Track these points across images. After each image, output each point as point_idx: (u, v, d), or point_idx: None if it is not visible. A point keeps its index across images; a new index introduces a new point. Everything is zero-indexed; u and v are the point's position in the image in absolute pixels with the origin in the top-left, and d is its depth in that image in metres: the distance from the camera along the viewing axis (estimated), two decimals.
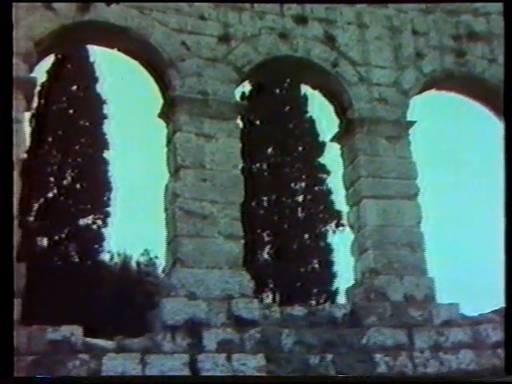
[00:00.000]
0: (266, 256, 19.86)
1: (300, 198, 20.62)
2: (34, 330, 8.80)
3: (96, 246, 23.27)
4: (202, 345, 9.41)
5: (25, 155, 9.92)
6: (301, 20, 12.07)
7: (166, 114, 11.11)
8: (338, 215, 19.17)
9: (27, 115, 10.55)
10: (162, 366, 9.04)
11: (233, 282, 9.99)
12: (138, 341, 9.30)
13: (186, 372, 9.06)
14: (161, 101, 11.33)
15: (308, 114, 21.09)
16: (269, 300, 18.78)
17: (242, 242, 10.40)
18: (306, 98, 20.77)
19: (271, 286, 19.26)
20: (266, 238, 19.91)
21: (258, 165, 20.32)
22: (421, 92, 12.78)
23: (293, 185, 20.79)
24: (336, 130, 12.58)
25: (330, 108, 12.75)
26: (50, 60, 18.31)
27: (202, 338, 9.44)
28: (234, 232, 10.33)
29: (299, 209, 20.49)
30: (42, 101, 22.03)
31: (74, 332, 8.97)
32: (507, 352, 8.29)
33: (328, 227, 19.97)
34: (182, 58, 11.04)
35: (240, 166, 10.97)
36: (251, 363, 9.40)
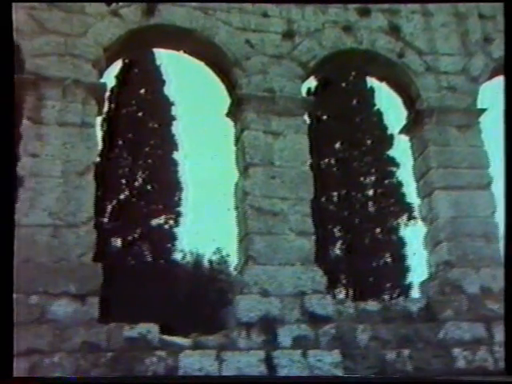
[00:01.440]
0: (337, 251, 19.77)
1: (370, 192, 20.45)
2: (111, 328, 9.03)
3: (168, 246, 23.70)
4: (277, 341, 9.43)
5: (97, 159, 10.16)
6: (364, 12, 11.94)
7: (234, 112, 11.18)
8: (409, 208, 18.91)
9: (99, 120, 10.80)
10: (238, 363, 9.11)
11: (305, 278, 9.97)
12: (213, 338, 9.41)
13: (263, 369, 9.10)
14: (228, 100, 11.41)
15: (375, 107, 20.86)
16: (342, 296, 18.70)
17: (314, 238, 10.35)
18: (372, 90, 20.56)
19: (344, 281, 19.16)
20: (337, 234, 19.82)
21: (326, 160, 20.25)
22: (490, 78, 12.42)
23: (362, 179, 20.62)
24: (404, 121, 12.38)
25: (398, 100, 12.56)
26: (118, 65, 18.74)
27: (276, 335, 9.46)
28: (304, 228, 10.30)
29: (370, 203, 20.33)
30: (112, 105, 22.58)
31: (150, 329, 9.15)
32: (507, 352, 8.19)
33: (400, 220, 19.72)
34: (246, 56, 11.08)
35: (309, 162, 10.93)
36: (327, 359, 9.36)
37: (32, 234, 9.24)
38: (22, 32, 10.11)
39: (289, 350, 9.35)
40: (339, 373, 9.30)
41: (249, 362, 9.14)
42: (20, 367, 8.43)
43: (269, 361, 9.19)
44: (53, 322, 8.84)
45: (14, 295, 8.72)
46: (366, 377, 9.28)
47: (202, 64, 11.71)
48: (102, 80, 10.81)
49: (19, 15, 10.09)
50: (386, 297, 18.26)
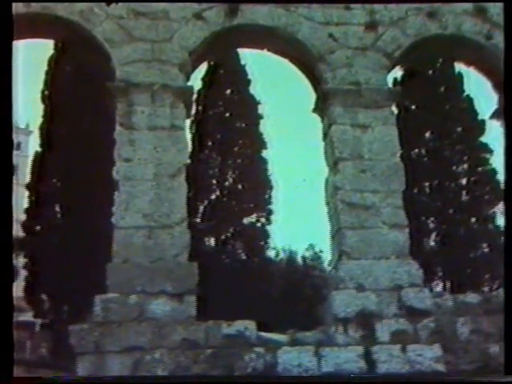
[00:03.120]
0: (432, 243, 19.28)
1: (463, 181, 19.86)
2: (209, 325, 9.09)
3: (261, 243, 23.86)
4: (375, 336, 9.22)
5: (188, 161, 10.28)
6: None
7: (320, 108, 11.04)
8: None
9: (187, 122, 10.92)
10: (337, 359, 8.97)
11: (401, 271, 9.71)
12: (310, 334, 9.32)
13: (362, 364, 8.94)
14: (314, 96, 11.28)
15: (465, 93, 20.21)
16: (439, 288, 18.21)
17: (407, 230, 10.07)
18: (460, 76, 19.94)
19: (440, 273, 18.66)
20: (431, 225, 19.34)
21: (416, 151, 19.80)
22: None
23: (454, 168, 20.05)
24: (495, 106, 11.86)
25: (488, 84, 12.05)
26: (203, 68, 18.96)
27: (374, 330, 9.26)
28: (398, 221, 10.04)
29: (463, 192, 19.75)
30: (200, 107, 22.94)
31: (247, 326, 9.16)
32: (507, 352, 7.96)
33: (496, 209, 19.02)
34: (330, 50, 10.91)
35: (398, 153, 10.65)
36: (427, 354, 9.07)
37: (128, 236, 9.45)
38: (111, 41, 10.39)
39: (388, 345, 9.13)
40: (441, 368, 9.00)
41: (347, 357, 8.99)
42: (123, 364, 8.67)
43: (368, 356, 9.00)
44: (152, 320, 9.00)
45: (114, 295, 9.00)
46: (366, 377, 8.93)
47: (286, 61, 11.65)
48: (189, 83, 10.91)
49: (108, 25, 10.38)
50: (486, 288, 17.66)
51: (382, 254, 9.79)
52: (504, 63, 9.74)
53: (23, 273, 28.00)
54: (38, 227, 23.37)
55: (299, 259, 29.17)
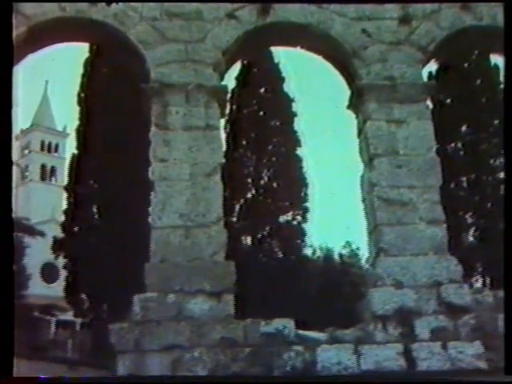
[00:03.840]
0: (470, 239, 19.03)
1: (501, 175, 19.51)
2: (248, 324, 9.10)
3: (298, 242, 23.87)
4: (414, 333, 9.12)
5: (223, 160, 10.30)
6: None
7: (355, 104, 10.96)
8: None
9: (222, 122, 10.95)
10: (376, 356, 8.90)
11: (439, 267, 9.59)
12: (349, 332, 9.25)
13: (402, 362, 8.85)
14: (348, 92, 11.21)
15: (501, 85, 19.86)
16: (479, 284, 17.96)
17: (445, 225, 9.94)
18: (497, 68, 19.61)
19: (480, 269, 18.40)
20: (469, 220, 19.10)
21: (452, 145, 19.57)
22: None
23: (492, 161, 19.75)
24: None
25: None
26: (237, 67, 18.99)
27: (413, 327, 9.16)
28: (435, 216, 9.91)
29: (501, 186, 19.39)
30: (234, 106, 23.02)
31: (286, 325, 9.14)
32: (507, 352, 7.83)
33: None
34: (364, 45, 10.82)
35: (434, 147, 10.51)
36: (469, 351, 8.94)
37: (166, 236, 9.51)
38: (145, 43, 10.46)
39: (427, 342, 9.03)
40: (482, 365, 8.87)
41: (387, 355, 8.91)
42: (163, 362, 8.73)
43: (407, 354, 8.91)
44: (190, 319, 9.05)
45: (152, 294, 9.07)
46: (366, 377, 8.81)
47: (319, 58, 11.59)
48: (223, 82, 10.93)
49: (142, 27, 10.46)
50: None
51: (419, 250, 9.68)
52: (504, 63, 9.54)
53: (63, 273, 28.48)
54: (77, 228, 23.71)
55: (336, 257, 29.11)
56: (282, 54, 24.24)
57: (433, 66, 16.73)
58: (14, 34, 10.05)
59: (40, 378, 8.31)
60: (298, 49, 11.65)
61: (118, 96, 21.67)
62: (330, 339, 9.16)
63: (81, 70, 24.58)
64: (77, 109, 24.24)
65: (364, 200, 10.51)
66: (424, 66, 11.10)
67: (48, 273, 54.39)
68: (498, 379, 8.44)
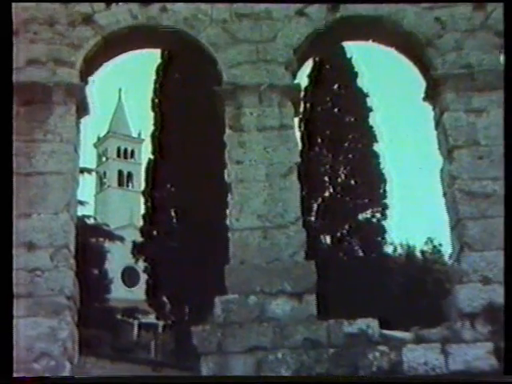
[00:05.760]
0: None
1: None
2: (331, 324, 9.09)
3: (378, 239, 23.66)
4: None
5: (299, 159, 10.33)
6: None
7: (431, 95, 10.77)
8: None
9: (296, 121, 10.98)
10: (466, 356, 8.71)
11: None
12: (435, 331, 9.09)
13: (493, 361, 8.64)
14: (423, 83, 11.04)
15: None
16: None
17: None
18: None
19: None
20: None
21: None
22: None
23: None
24: None
25: None
26: (309, 64, 19.00)
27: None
28: None
29: None
30: (308, 105, 23.05)
31: (369, 324, 9.07)
32: (507, 352, 7.76)
33: None
34: (438, 34, 10.61)
35: None
36: None
37: (244, 237, 9.60)
38: (216, 45, 10.59)
39: None
40: None
41: (476, 354, 8.71)
42: (246, 364, 8.85)
43: (498, 352, 8.68)
44: (272, 320, 9.11)
45: (233, 296, 9.20)
46: (366, 377, 8.63)
47: (392, 50, 11.47)
48: (296, 81, 10.96)
49: (212, 30, 10.61)
50: None
51: None
52: (504, 63, 9.36)
53: (143, 276, 29.22)
54: (155, 232, 24.28)
55: (418, 254, 28.66)
56: (355, 49, 24.07)
57: None
58: (90, 44, 10.48)
59: (40, 378, 8.42)
60: (370, 42, 11.56)
61: (191, 100, 22.08)
62: (415, 338, 9.03)
63: (153, 76, 25.17)
64: (151, 114, 24.83)
65: (445, 194, 10.31)
66: (501, 51, 10.81)
67: (128, 277, 55.91)
68: (498, 379, 8.30)
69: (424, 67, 10.97)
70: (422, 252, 28.45)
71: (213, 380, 8.87)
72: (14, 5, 9.63)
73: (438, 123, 10.58)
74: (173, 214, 24.01)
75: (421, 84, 11.10)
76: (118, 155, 74.70)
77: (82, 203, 29.99)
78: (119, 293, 46.21)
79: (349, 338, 8.97)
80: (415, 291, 23.20)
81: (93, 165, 65.64)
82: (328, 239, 23.08)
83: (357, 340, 8.95)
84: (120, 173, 73.77)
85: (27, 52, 10.27)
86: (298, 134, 11.26)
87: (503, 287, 8.53)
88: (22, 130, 9.81)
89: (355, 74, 23.87)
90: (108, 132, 75.56)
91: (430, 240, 28.86)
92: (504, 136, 8.98)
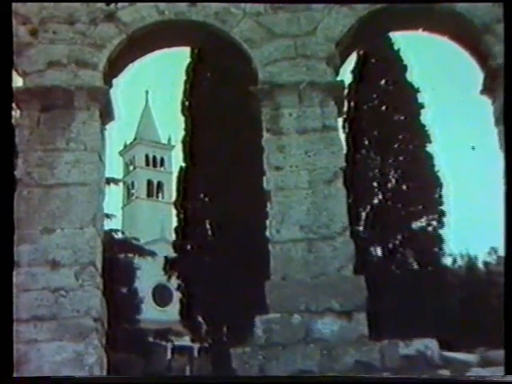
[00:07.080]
0: None
1: None
2: (384, 345, 8.96)
3: (435, 250, 23.34)
4: None
5: (344, 163, 10.26)
6: None
7: (490, 87, 10.61)
8: None
9: (340, 121, 10.93)
10: None
11: None
12: (504, 352, 8.95)
13: None
14: (481, 75, 10.90)
15: None
16: None
17: None
18: None
19: None
20: None
21: None
22: None
23: None
24: None
25: None
26: (352, 59, 18.91)
27: None
28: None
29: None
30: (352, 103, 22.92)
31: (428, 345, 8.93)
32: (507, 352, 7.93)
33: None
34: (497, 19, 10.43)
35: None
36: None
37: (286, 250, 9.56)
38: (250, 41, 10.58)
39: None
40: None
41: None
42: None
43: None
44: (319, 341, 9.03)
45: (275, 315, 9.16)
46: (366, 377, 8.47)
47: (445, 39, 11.36)
48: (339, 78, 10.91)
49: (246, 24, 10.61)
50: None
51: None
52: (504, 63, 9.27)
53: (177, 295, 29.33)
54: (189, 246, 24.35)
55: (480, 265, 28.25)
56: (402, 40, 23.91)
57: None
58: (113, 44, 10.58)
59: (40, 378, 8.46)
60: (420, 32, 11.46)
61: (224, 101, 22.14)
62: (481, 361, 8.86)
63: (183, 77, 25.32)
64: (181, 118, 24.97)
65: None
66: None
67: (160, 295, 56.25)
68: (498, 379, 8.19)
69: (481, 57, 10.83)
70: (485, 263, 28.05)
71: (213, 380, 8.87)
72: (29, 4, 9.79)
73: (499, 119, 10.42)
74: (208, 226, 24.04)
75: (478, 76, 11.00)
76: (147, 164, 75.41)
77: (108, 216, 30.34)
78: (150, 313, 46.54)
79: (405, 360, 8.84)
80: (478, 307, 22.84)
81: (119, 175, 66.35)
82: (379, 251, 22.89)
83: (414, 363, 8.81)
84: (149, 183, 74.46)
85: (46, 53, 10.43)
86: (342, 136, 11.20)
87: (503, 287, 8.41)
88: (43, 138, 9.97)
89: (404, 68, 23.69)
90: (135, 139, 76.36)
91: (493, 250, 28.44)
92: (504, 135, 8.83)
